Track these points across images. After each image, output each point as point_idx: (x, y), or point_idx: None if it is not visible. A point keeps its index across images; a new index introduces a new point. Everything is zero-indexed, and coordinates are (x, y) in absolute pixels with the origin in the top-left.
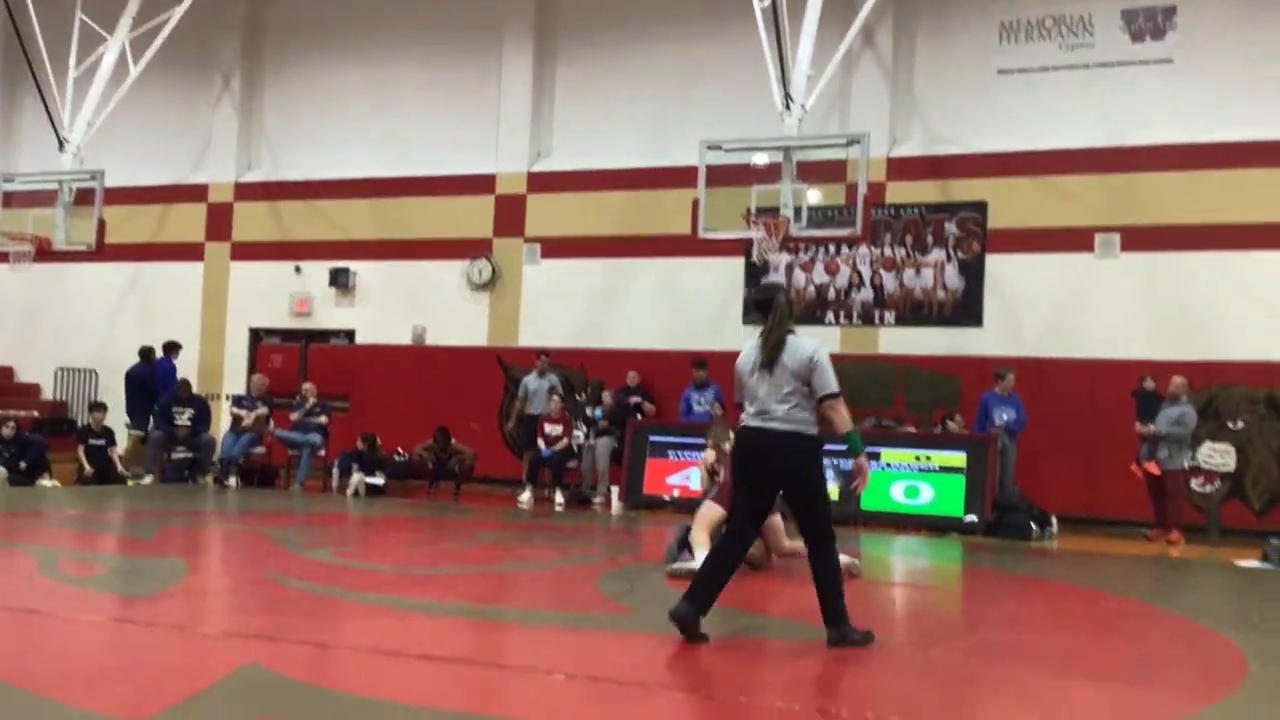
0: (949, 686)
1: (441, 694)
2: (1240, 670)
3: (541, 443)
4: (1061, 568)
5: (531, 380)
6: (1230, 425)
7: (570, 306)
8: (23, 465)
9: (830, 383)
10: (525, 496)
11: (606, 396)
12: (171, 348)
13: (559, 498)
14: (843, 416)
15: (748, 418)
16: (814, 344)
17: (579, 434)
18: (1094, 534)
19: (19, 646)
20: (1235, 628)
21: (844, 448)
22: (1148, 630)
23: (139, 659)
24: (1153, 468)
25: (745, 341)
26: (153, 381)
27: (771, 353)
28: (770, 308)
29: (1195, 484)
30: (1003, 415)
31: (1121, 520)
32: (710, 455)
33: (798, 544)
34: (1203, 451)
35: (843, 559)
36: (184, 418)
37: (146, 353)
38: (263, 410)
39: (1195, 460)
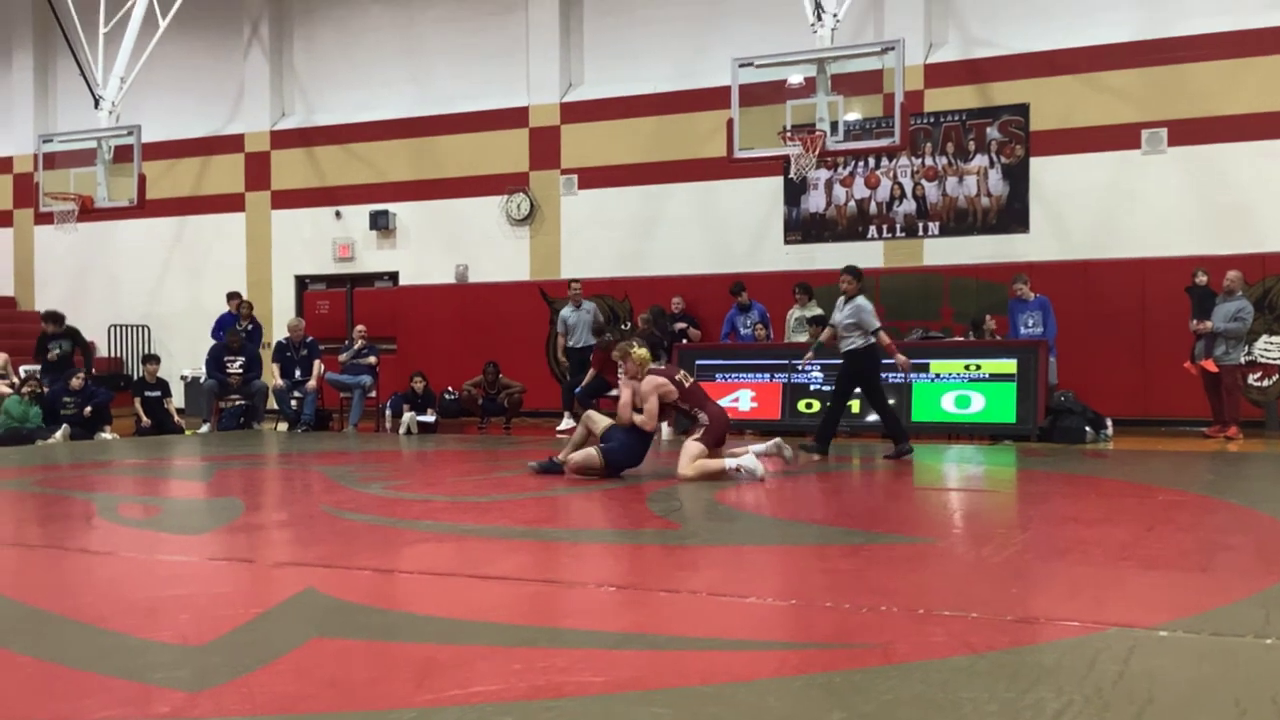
0: (1001, 581)
1: (496, 609)
2: None
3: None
4: (1116, 467)
5: (569, 314)
6: None
7: (610, 235)
8: (88, 411)
9: None
10: (565, 424)
11: (640, 322)
12: (228, 298)
13: None
14: None
15: None
16: None
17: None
18: (1150, 435)
19: (75, 583)
20: None
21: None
22: (1204, 520)
23: (196, 590)
24: (1209, 365)
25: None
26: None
27: None
28: None
29: (1253, 379)
30: (1028, 322)
31: (1178, 420)
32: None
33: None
34: (1259, 345)
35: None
36: (235, 366)
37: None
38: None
39: (1252, 355)
